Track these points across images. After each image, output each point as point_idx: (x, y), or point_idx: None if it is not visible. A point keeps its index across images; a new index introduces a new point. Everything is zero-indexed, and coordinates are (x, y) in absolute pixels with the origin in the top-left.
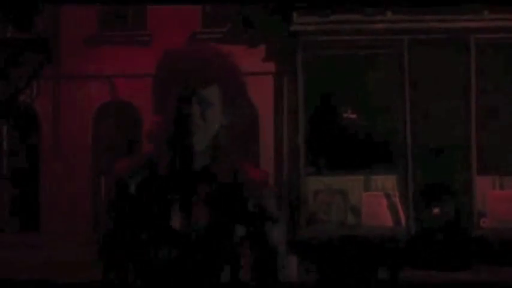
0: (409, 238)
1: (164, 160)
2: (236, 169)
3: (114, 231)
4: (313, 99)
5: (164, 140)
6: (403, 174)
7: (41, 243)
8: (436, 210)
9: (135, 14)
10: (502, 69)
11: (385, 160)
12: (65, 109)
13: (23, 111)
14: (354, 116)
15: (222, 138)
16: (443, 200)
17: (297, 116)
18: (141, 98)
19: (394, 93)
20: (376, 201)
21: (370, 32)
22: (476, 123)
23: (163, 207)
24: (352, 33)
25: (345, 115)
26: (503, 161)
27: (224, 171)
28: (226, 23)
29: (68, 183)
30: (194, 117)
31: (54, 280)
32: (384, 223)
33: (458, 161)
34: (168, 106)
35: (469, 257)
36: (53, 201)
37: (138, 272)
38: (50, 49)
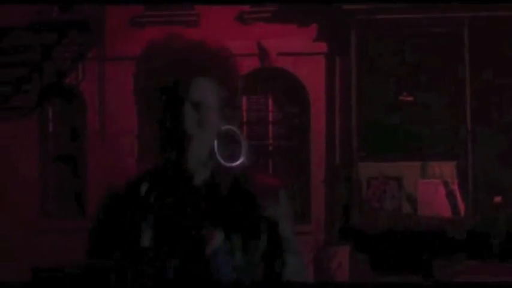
0: (468, 229)
1: (160, 176)
2: (244, 178)
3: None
4: (367, 81)
5: (156, 153)
6: (463, 160)
7: (86, 229)
8: (497, 199)
9: None
10: None
11: (444, 145)
12: (110, 91)
13: (68, 94)
14: (410, 98)
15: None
16: (506, 188)
17: (350, 99)
18: None
19: (453, 74)
20: (433, 189)
21: (429, 10)
22: None
23: (167, 231)
24: (408, 12)
25: (400, 97)
26: None
27: (229, 182)
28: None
29: (114, 167)
30: (188, 124)
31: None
32: (440, 212)
33: None
34: (156, 111)
35: None
36: (98, 185)
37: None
38: (95, 30)
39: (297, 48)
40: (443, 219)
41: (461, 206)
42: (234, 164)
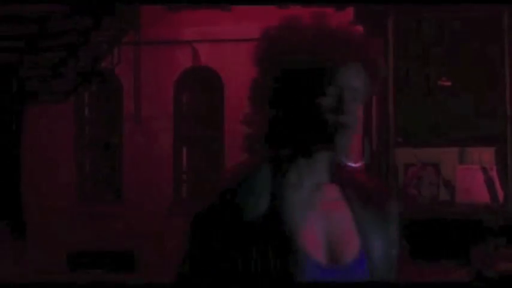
0: (506, 216)
1: (281, 168)
2: (365, 179)
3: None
4: (404, 65)
5: (278, 144)
6: (502, 145)
7: (123, 213)
8: None
9: None
10: None
11: (482, 131)
12: (146, 75)
13: (104, 78)
14: (448, 83)
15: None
16: None
17: (387, 83)
18: (223, 63)
19: (492, 58)
20: (472, 175)
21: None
22: None
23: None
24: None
25: (438, 82)
26: None
27: (354, 183)
28: None
29: (150, 151)
30: (333, 112)
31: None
32: (479, 199)
33: None
34: (288, 99)
35: None
36: (134, 170)
37: None
38: (131, 14)
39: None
40: (482, 205)
41: (500, 193)
42: (356, 165)
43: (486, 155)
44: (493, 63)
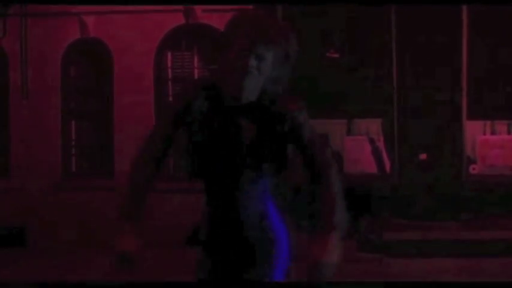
0: (393, 186)
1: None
2: (275, 101)
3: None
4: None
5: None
6: (389, 117)
7: (11, 188)
8: (422, 156)
9: None
10: None
11: (369, 102)
12: (33, 48)
13: None
14: (336, 55)
15: (268, 86)
16: (430, 146)
17: None
18: (112, 35)
19: (380, 32)
20: (359, 146)
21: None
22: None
23: (219, 133)
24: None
25: (327, 54)
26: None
27: (268, 105)
28: None
29: (37, 126)
30: (251, 67)
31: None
32: (367, 169)
33: (447, 104)
34: (229, 57)
35: (459, 207)
36: (22, 145)
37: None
38: None
39: (222, 5)
40: (369, 175)
41: (387, 163)
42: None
43: (373, 126)
44: (381, 37)
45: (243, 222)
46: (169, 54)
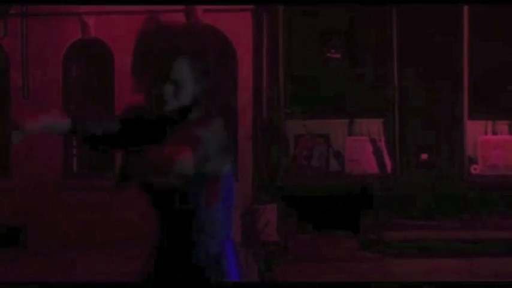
0: (394, 186)
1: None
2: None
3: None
4: (295, 38)
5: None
6: (390, 117)
7: (12, 188)
8: (424, 157)
9: None
10: None
11: (371, 102)
12: (34, 48)
13: None
14: (337, 55)
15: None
16: (431, 146)
17: (277, 56)
18: (112, 35)
19: (381, 31)
20: (360, 146)
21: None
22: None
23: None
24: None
25: (328, 54)
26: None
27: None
28: None
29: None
30: (167, 96)
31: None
32: (368, 170)
33: (448, 104)
34: (145, 85)
35: (459, 207)
36: (23, 145)
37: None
38: None
39: (223, 5)
40: (370, 176)
41: (388, 163)
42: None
43: (374, 126)
44: (382, 37)
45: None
46: None
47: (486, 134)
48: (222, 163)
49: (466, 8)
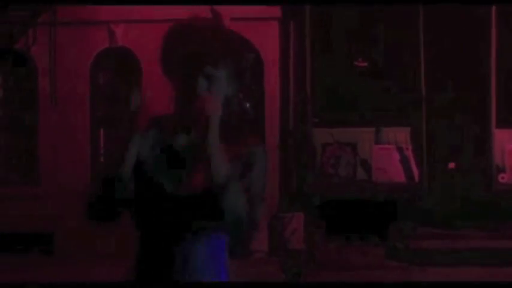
0: (422, 195)
1: (171, 123)
2: (237, 131)
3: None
4: (321, 46)
5: (174, 108)
6: (417, 125)
7: (40, 195)
8: (451, 165)
9: None
10: None
11: (398, 111)
12: (62, 56)
13: (19, 59)
14: (364, 63)
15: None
16: (459, 154)
17: (304, 64)
18: (139, 43)
19: (408, 40)
20: (387, 155)
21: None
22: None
23: (163, 165)
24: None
25: (355, 63)
26: None
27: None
28: None
29: (66, 133)
30: (201, 91)
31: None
32: (395, 178)
33: (476, 112)
34: (178, 79)
35: (487, 216)
36: (51, 152)
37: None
38: None
39: (250, 13)
40: (397, 184)
41: (415, 172)
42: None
43: (401, 134)
44: (409, 45)
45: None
46: None
47: None
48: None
49: (494, 15)
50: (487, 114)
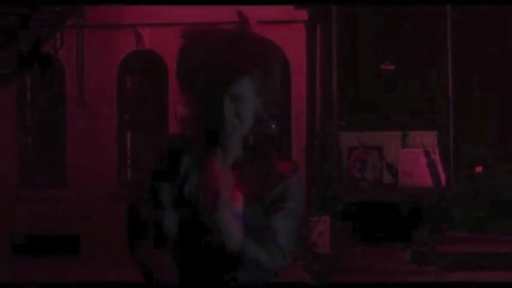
0: (449, 198)
1: (197, 145)
2: (265, 160)
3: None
4: (348, 48)
5: (196, 133)
6: (444, 129)
7: (67, 197)
8: (478, 169)
9: None
10: None
11: (425, 114)
12: (89, 59)
13: (46, 62)
14: (391, 67)
15: (256, 130)
16: (486, 158)
17: (331, 67)
18: (166, 47)
19: (435, 44)
20: (414, 159)
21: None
22: None
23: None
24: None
25: (382, 66)
26: None
27: (254, 161)
28: None
29: (93, 136)
30: (228, 115)
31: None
32: (422, 182)
33: (503, 115)
34: (198, 101)
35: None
36: (78, 154)
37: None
38: None
39: (277, 16)
40: (424, 189)
41: (442, 176)
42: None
43: (428, 138)
44: (436, 48)
45: None
46: None
47: None
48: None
49: None
50: None
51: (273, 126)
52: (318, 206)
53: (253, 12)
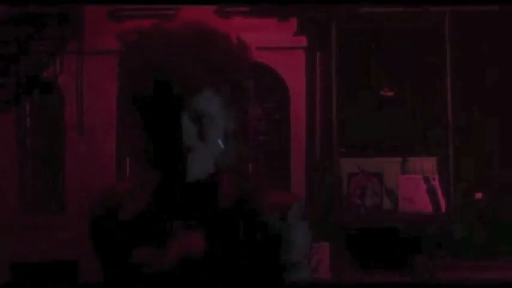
0: (449, 225)
1: (151, 186)
2: (253, 193)
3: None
4: (347, 75)
5: (148, 163)
6: (444, 155)
7: (66, 223)
8: (478, 195)
9: None
10: None
11: (424, 141)
12: (89, 85)
13: (46, 88)
14: (390, 93)
15: (229, 153)
16: (486, 185)
17: (330, 94)
18: None
19: (433, 69)
20: (414, 185)
21: (407, 4)
22: None
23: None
24: (389, 6)
25: (381, 92)
26: None
27: (235, 198)
28: None
29: (92, 162)
30: (189, 139)
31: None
32: (422, 208)
33: (503, 141)
34: (148, 122)
35: None
36: (77, 180)
37: None
38: (73, 23)
39: (276, 42)
40: (424, 215)
41: (442, 202)
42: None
43: (428, 164)
44: (435, 74)
45: None
46: None
47: None
48: None
49: None
50: None
51: (245, 150)
52: (318, 233)
53: (252, 39)
